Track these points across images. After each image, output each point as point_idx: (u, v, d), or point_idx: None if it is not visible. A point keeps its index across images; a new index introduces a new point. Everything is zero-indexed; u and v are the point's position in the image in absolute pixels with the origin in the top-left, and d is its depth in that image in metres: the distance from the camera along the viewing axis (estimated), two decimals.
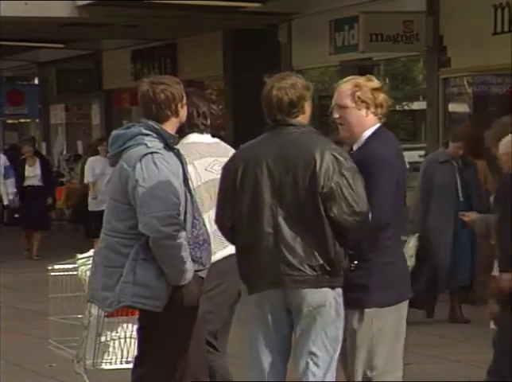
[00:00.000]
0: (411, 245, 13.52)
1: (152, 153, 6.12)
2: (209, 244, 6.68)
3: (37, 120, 40.45)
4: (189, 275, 6.28)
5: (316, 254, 5.73)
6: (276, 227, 5.73)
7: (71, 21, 25.34)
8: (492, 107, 19.52)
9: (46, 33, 28.23)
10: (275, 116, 5.83)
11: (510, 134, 8.44)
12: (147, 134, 6.23)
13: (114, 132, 6.72)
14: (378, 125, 6.08)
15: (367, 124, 6.08)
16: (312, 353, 5.73)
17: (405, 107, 23.25)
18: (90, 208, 22.55)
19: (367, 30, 19.70)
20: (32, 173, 24.64)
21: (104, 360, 8.18)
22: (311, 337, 5.76)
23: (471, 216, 10.64)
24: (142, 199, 5.99)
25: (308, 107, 6.01)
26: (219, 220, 6.03)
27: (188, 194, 6.45)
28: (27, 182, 24.95)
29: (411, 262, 12.68)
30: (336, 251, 5.72)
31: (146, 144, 6.17)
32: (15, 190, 24.44)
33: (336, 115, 6.23)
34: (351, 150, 6.29)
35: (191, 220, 6.37)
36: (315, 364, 5.79)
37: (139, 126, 6.35)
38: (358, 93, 6.10)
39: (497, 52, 17.94)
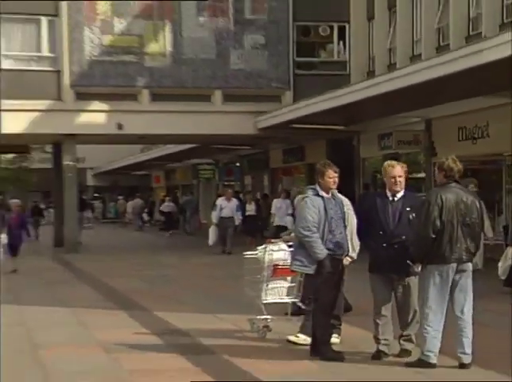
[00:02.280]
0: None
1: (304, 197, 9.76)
2: (343, 243, 9.53)
3: (238, 182, 48.25)
4: (321, 256, 9.20)
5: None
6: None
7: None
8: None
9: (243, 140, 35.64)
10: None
11: None
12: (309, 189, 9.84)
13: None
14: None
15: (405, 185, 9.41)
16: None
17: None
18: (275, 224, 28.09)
19: (396, 139, 26.99)
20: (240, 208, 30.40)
21: (269, 298, 11.18)
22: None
23: None
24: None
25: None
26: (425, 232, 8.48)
27: (324, 217, 9.39)
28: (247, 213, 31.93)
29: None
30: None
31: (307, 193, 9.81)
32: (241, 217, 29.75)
33: (399, 180, 9.16)
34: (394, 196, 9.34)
35: (327, 230, 9.33)
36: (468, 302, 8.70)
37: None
38: (404, 169, 9.41)
39: (462, 151, 22.22)
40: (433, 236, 8.34)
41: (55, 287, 18.26)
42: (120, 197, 65.96)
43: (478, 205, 8.71)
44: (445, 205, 8.36)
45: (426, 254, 8.48)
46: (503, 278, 14.19)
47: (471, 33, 24.33)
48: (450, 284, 8.49)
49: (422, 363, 8.34)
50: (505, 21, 22.80)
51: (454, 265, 8.39)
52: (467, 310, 8.48)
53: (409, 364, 8.49)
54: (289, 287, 11.12)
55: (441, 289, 8.44)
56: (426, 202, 8.57)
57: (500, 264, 14.14)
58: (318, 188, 9.47)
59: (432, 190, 9.14)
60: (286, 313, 12.12)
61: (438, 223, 8.32)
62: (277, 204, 27.57)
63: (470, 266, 8.59)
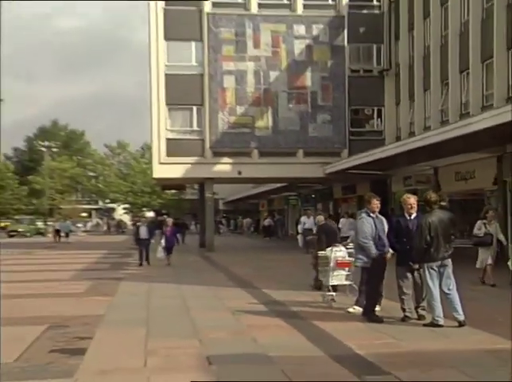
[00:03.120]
0: None
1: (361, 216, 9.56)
2: (385, 245, 9.33)
3: (313, 207, 41.87)
4: (374, 255, 9.18)
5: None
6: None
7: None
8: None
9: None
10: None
11: None
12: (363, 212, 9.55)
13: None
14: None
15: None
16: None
17: None
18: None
19: (415, 180, 26.60)
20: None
21: (334, 281, 11.07)
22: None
23: None
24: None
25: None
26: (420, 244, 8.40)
27: (374, 230, 9.30)
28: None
29: None
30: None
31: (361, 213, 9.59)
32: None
33: (414, 206, 9.20)
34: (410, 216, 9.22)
35: (376, 237, 9.24)
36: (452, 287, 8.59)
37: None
38: (416, 199, 9.33)
39: (457, 187, 23.59)
40: (425, 246, 8.55)
41: (199, 273, 18.35)
42: (239, 217, 67.19)
43: (452, 221, 8.91)
44: (432, 226, 8.52)
45: (421, 257, 8.71)
46: None
47: (463, 112, 24.01)
48: (438, 273, 8.68)
49: (434, 324, 8.53)
50: (485, 104, 22.70)
51: (439, 262, 8.63)
52: (453, 287, 8.69)
53: (425, 325, 8.65)
54: (347, 275, 11.18)
55: (434, 277, 8.64)
56: (420, 225, 8.66)
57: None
58: (368, 211, 9.56)
59: (423, 216, 8.93)
60: (316, 286, 12.89)
61: (428, 238, 8.50)
62: (343, 221, 25.84)
63: (449, 261, 8.73)
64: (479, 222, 13.88)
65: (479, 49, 23.16)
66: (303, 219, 29.01)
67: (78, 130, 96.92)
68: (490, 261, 13.22)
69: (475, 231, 13.65)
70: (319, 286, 12.44)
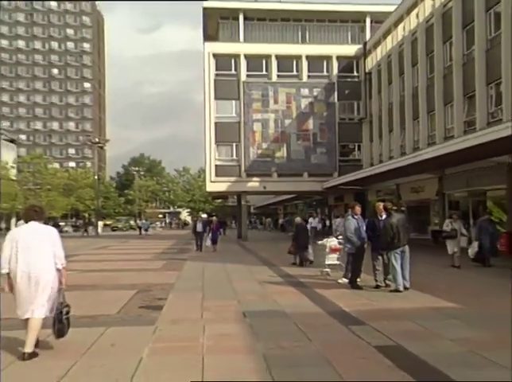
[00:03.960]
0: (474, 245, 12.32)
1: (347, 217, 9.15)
2: (365, 238, 9.03)
3: (314, 212, 40.61)
4: (358, 245, 8.93)
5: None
6: None
7: None
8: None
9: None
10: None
11: None
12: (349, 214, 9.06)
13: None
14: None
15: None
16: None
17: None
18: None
19: (383, 192, 25.75)
20: None
21: (329, 262, 10.88)
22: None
23: None
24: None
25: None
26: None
27: (357, 227, 8.92)
28: None
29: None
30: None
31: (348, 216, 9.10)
32: None
33: (382, 210, 8.76)
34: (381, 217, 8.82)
35: (358, 232, 8.88)
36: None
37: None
38: (384, 205, 8.93)
39: (412, 197, 20.25)
40: (389, 240, 8.43)
41: (237, 256, 17.71)
42: (263, 217, 64.73)
43: (405, 220, 8.78)
44: (393, 225, 8.41)
45: (388, 246, 8.55)
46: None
47: (415, 147, 23.28)
48: (400, 256, 8.51)
49: (396, 290, 8.36)
50: (430, 142, 22.01)
51: (400, 249, 8.48)
52: (407, 266, 8.56)
53: (391, 291, 8.47)
54: (337, 257, 11.06)
55: (397, 259, 8.45)
56: (384, 224, 8.55)
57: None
58: (352, 214, 9.26)
59: (385, 218, 8.72)
60: (294, 263, 13.16)
61: (391, 233, 8.38)
62: (338, 220, 23.70)
63: (407, 247, 8.59)
64: (446, 221, 12.95)
65: (426, 106, 23.08)
66: (310, 219, 28.34)
67: (157, 159, 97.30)
68: (456, 249, 12.22)
69: (444, 227, 12.70)
70: (296, 263, 12.99)
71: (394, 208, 9.08)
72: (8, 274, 4.70)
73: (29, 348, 4.58)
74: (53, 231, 4.91)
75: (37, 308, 4.63)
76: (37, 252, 4.68)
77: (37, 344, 4.73)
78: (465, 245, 12.58)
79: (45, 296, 4.65)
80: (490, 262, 12.22)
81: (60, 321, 4.74)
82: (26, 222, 4.92)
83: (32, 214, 4.89)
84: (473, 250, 12.23)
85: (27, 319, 4.63)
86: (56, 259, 4.75)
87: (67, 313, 4.83)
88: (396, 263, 8.47)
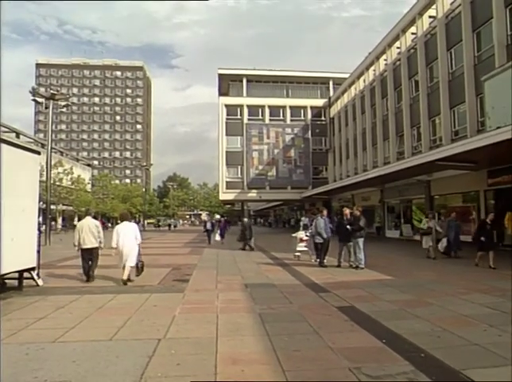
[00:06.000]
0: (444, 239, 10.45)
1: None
2: (329, 232, 8.60)
3: (295, 214, 39.00)
4: (326, 237, 8.36)
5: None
6: None
7: None
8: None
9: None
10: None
11: None
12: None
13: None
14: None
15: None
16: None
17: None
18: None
19: (343, 200, 23.84)
20: None
21: (299, 248, 10.22)
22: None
23: None
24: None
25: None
26: None
27: (325, 225, 8.37)
28: None
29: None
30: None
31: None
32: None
33: (347, 213, 8.13)
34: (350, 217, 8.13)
35: (327, 228, 8.30)
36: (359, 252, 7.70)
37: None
38: (349, 210, 8.29)
39: (364, 203, 20.65)
40: (362, 232, 7.99)
41: (239, 245, 15.16)
42: (258, 218, 62.84)
43: (365, 219, 8.43)
44: (362, 222, 8.13)
45: (354, 237, 8.13)
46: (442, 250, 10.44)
47: (364, 169, 22.84)
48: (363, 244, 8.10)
49: (359, 267, 8.02)
50: (378, 165, 21.56)
51: (363, 238, 8.13)
52: (362, 249, 8.15)
53: (355, 267, 8.11)
54: (305, 246, 10.37)
55: (364, 245, 8.13)
56: (358, 220, 8.16)
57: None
58: (321, 215, 8.83)
59: (351, 218, 8.20)
60: (242, 248, 12.45)
61: (350, 228, 7.99)
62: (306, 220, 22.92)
63: (362, 239, 8.10)
64: (424, 219, 11.03)
65: (371, 140, 22.78)
66: (303, 218, 26.06)
67: (185, 177, 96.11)
68: (431, 243, 10.30)
69: (421, 225, 10.92)
70: (244, 248, 12.43)
71: (360, 209, 8.68)
72: (116, 248, 6.62)
73: (125, 277, 6.53)
74: (135, 225, 6.82)
75: (128, 261, 6.57)
76: (128, 236, 6.59)
77: (129, 279, 6.57)
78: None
79: (132, 256, 6.55)
80: (457, 254, 10.37)
81: (137, 267, 6.85)
82: (121, 221, 6.82)
83: (124, 217, 6.93)
84: (442, 244, 10.56)
85: (124, 266, 6.55)
86: (136, 240, 6.65)
87: (142, 264, 6.99)
88: (362, 247, 8.12)
